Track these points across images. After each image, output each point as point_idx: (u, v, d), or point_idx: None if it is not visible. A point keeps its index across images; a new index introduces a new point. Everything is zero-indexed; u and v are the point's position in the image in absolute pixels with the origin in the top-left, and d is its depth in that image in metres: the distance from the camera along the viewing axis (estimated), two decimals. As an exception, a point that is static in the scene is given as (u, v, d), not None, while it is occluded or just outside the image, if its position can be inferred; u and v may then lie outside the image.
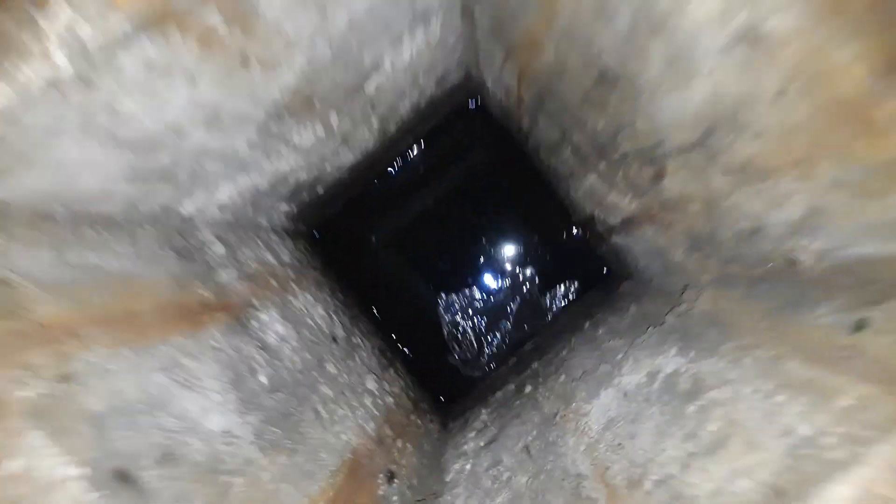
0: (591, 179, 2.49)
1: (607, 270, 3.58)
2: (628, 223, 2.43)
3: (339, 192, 3.27)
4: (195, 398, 1.63)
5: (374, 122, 2.74)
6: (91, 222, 1.78)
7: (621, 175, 2.19)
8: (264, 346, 2.12)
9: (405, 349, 3.75)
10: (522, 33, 2.06)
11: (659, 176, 1.97)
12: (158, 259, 1.94)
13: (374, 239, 3.86)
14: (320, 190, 2.97)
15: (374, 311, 3.76)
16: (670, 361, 1.90)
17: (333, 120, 2.36)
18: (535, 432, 2.13)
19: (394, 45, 2.15)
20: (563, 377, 2.39)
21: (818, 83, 1.20)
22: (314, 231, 3.66)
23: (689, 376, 1.78)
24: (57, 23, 1.05)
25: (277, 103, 1.96)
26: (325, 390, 2.26)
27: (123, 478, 1.27)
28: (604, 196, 2.48)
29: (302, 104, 2.06)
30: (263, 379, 1.99)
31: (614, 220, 2.60)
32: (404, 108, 2.84)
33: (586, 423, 1.97)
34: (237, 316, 2.11)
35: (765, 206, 1.60)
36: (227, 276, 2.23)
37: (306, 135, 2.30)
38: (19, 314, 1.29)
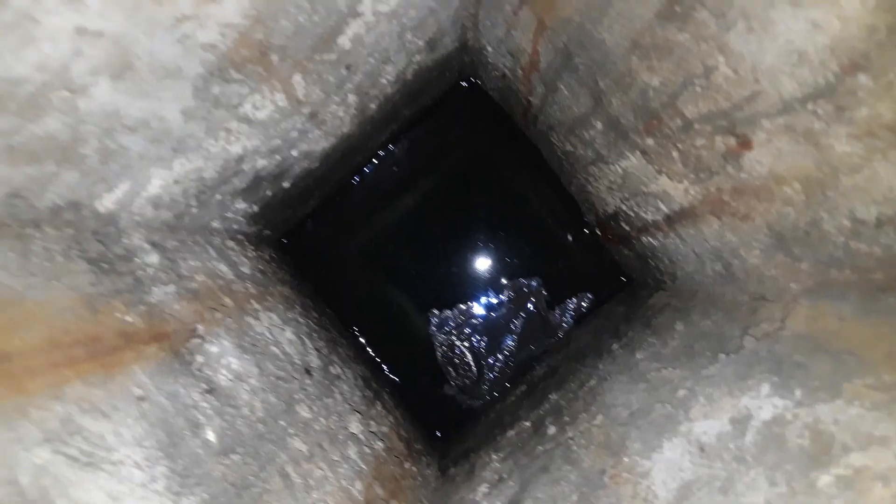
0: (629, 162, 1.97)
1: (628, 279, 3.06)
2: (678, 217, 1.92)
3: (310, 188, 2.72)
4: (101, 481, 1.11)
5: (351, 97, 2.21)
6: (-51, 221, 1.25)
7: (678, 152, 1.68)
8: (213, 390, 1.59)
9: (393, 376, 3.20)
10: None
11: (740, 148, 1.46)
12: (61, 272, 1.40)
13: (353, 246, 3.31)
14: (286, 184, 2.42)
15: (356, 331, 3.20)
16: (765, 403, 1.38)
17: (298, 84, 1.82)
18: (575, 497, 1.58)
19: (377, -23, 1.62)
20: (599, 417, 1.86)
21: None
22: (282, 237, 3.10)
23: (802, 426, 1.26)
24: None
25: (218, 51, 1.43)
26: (298, 444, 1.71)
27: None
28: (645, 183, 1.96)
29: (253, 55, 1.53)
30: (211, 436, 1.48)
31: (653, 214, 2.08)
32: (388, 78, 2.31)
33: (649, 488, 1.44)
34: (175, 349, 1.58)
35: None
36: (162, 293, 1.69)
37: (263, 104, 1.77)
38: None
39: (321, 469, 1.70)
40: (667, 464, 1.45)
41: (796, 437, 1.24)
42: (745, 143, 1.43)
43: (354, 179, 3.24)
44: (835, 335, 1.39)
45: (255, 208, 2.42)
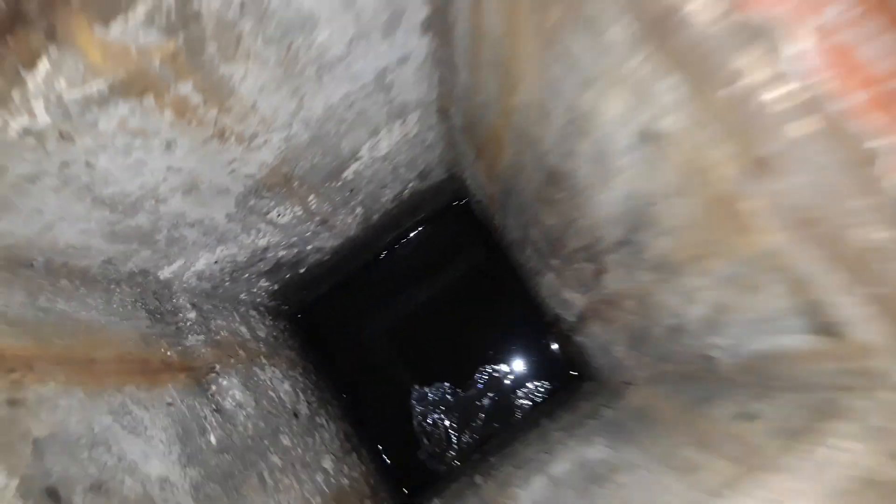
0: (550, 277, 2.62)
1: (575, 372, 3.64)
2: (582, 320, 2.54)
3: (322, 275, 3.42)
4: (138, 443, 1.69)
5: (357, 209, 2.93)
6: (68, 274, 1.92)
7: (572, 272, 2.31)
8: (219, 410, 2.20)
9: (375, 442, 3.78)
10: (487, 131, 2.24)
11: (600, 272, 2.08)
12: (129, 316, 2.07)
13: (355, 326, 3.98)
14: (302, 270, 3.12)
15: (345, 396, 3.82)
16: (596, 450, 1.96)
17: (312, 201, 2.54)
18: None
19: (371, 135, 2.34)
20: (509, 467, 2.43)
21: (703, 180, 1.30)
22: (297, 313, 3.79)
23: (607, 463, 1.84)
24: (37, 77, 1.24)
25: (255, 178, 2.14)
26: (275, 460, 2.31)
27: (54, 496, 1.34)
28: (559, 292, 2.60)
29: (280, 182, 2.24)
30: (212, 439, 2.05)
31: (571, 317, 2.70)
32: (387, 197, 3.03)
33: (517, 506, 2.02)
34: (197, 378, 2.20)
35: (681, 302, 1.67)
36: (194, 340, 2.34)
37: (285, 213, 2.48)
38: (-22, 341, 1.41)
39: (290, 480, 2.28)
40: (531, 492, 2.02)
41: (600, 469, 1.82)
42: (602, 269, 2.05)
43: (361, 271, 3.96)
44: (653, 407, 1.97)
45: (276, 287, 3.11)
